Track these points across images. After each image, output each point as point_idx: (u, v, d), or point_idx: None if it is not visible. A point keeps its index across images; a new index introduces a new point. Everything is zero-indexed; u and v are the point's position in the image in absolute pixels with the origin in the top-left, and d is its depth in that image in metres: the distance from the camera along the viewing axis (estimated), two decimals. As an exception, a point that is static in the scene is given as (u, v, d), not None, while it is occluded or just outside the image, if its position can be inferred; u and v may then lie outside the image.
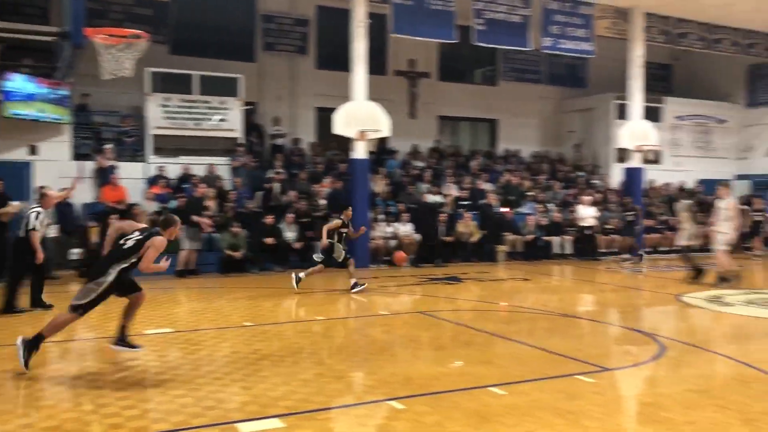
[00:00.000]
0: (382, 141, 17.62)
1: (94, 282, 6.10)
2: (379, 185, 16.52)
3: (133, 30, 10.25)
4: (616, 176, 19.99)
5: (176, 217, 6.78)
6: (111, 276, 6.08)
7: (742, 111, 22.61)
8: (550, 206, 17.52)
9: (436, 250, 15.28)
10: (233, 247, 13.38)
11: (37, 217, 8.82)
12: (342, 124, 14.30)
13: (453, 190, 17.05)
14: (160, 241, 6.23)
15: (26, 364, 5.90)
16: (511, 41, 16.21)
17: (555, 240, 16.80)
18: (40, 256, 8.82)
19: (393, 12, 14.60)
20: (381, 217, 15.42)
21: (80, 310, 6.11)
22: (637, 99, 18.13)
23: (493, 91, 21.29)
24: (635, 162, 18.41)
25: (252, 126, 17.23)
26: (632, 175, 18.38)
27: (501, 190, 17.81)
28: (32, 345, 5.99)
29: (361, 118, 14.34)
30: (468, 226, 15.74)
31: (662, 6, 17.57)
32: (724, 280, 11.87)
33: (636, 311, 10.35)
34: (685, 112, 21.74)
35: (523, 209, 17.34)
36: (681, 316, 9.86)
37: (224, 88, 15.79)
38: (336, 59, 16.86)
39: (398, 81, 19.50)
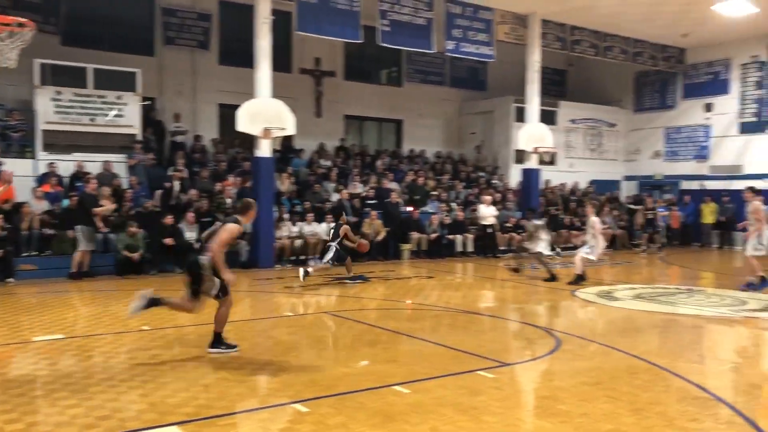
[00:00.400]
0: (287, 139, 17.45)
1: None
2: (285, 184, 16.35)
3: (18, 18, 9.60)
4: (514, 177, 20.70)
5: (253, 201, 7.09)
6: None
7: (630, 116, 23.97)
8: (453, 205, 17.94)
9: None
10: (130, 248, 12.84)
11: None
12: (246, 121, 14.03)
13: (359, 189, 17.12)
14: (234, 228, 6.63)
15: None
16: (415, 43, 16.45)
17: (458, 238, 17.20)
18: None
19: (298, 10, 14.48)
20: (286, 216, 15.25)
21: None
22: (534, 102, 18.84)
23: (398, 92, 21.54)
24: (532, 163, 19.12)
25: (151, 122, 16.60)
26: (530, 175, 19.08)
27: (406, 189, 18.05)
28: None
29: (266, 115, 14.12)
30: (373, 225, 15.83)
31: (558, 13, 18.33)
32: (580, 278, 12.44)
33: (534, 307, 10.74)
34: (579, 115, 22.80)
35: (428, 208, 17.66)
36: (575, 311, 10.33)
37: (121, 82, 15.14)
38: (239, 55, 16.53)
39: (303, 79, 19.36)
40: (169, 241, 13.20)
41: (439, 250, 16.77)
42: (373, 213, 15.99)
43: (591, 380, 5.98)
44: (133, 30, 17.15)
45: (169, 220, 13.40)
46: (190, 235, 13.59)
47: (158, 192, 14.77)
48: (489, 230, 17.35)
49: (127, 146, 15.30)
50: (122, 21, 16.82)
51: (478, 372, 6.15)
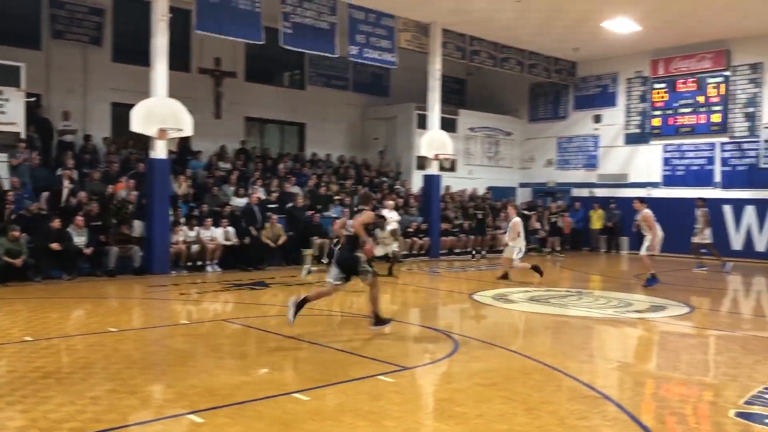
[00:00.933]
0: (184, 141, 16.93)
1: None
2: (182, 187, 15.84)
3: None
4: (416, 182, 21.02)
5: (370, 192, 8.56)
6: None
7: (525, 125, 24.92)
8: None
9: (251, 254, 15.01)
10: (12, 254, 12.02)
11: None
12: (140, 121, 13.49)
13: (260, 193, 16.83)
14: (370, 213, 8.04)
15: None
16: (318, 47, 16.40)
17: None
18: None
19: (197, 8, 14.09)
20: (182, 220, 14.76)
21: None
22: (435, 110, 19.22)
23: (301, 95, 21.39)
24: (433, 169, 19.48)
25: (36, 120, 15.64)
26: (431, 181, 19.43)
27: (309, 193, 17.93)
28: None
29: (162, 115, 13.64)
30: (273, 230, 15.60)
31: (458, 24, 18.81)
32: (504, 277, 13.34)
33: (434, 310, 10.93)
34: (477, 124, 23.48)
35: (331, 213, 17.60)
36: (473, 314, 10.58)
37: (3, 76, 14.16)
38: (135, 53, 15.91)
39: (203, 79, 18.84)
40: (55, 246, 12.46)
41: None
42: (273, 217, 15.76)
43: (487, 381, 6.14)
44: (17, 21, 16.12)
45: (56, 223, 12.66)
46: (79, 240, 12.89)
47: (44, 194, 13.93)
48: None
49: (10, 145, 14.33)
50: (6, 11, 15.76)
51: (379, 377, 6.17)
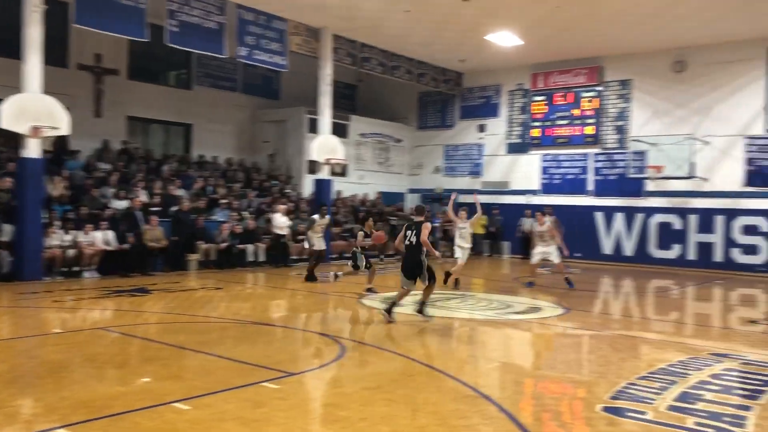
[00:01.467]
0: (61, 140, 16.00)
1: None
2: (57, 188, 14.95)
3: None
4: (307, 186, 20.95)
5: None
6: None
7: (414, 132, 25.47)
8: (245, 214, 17.68)
9: (132, 259, 14.38)
10: None
11: None
12: (11, 117, 12.63)
13: (142, 195, 16.18)
14: (429, 225, 9.58)
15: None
16: (205, 46, 16.00)
17: (249, 248, 16.97)
18: None
19: (76, 1, 13.37)
20: (58, 223, 13.93)
21: None
22: (326, 115, 19.25)
23: (188, 95, 20.78)
24: (324, 174, 19.49)
25: None
26: (322, 186, 19.44)
27: (194, 196, 17.43)
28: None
29: (35, 112, 12.83)
30: (153, 233, 15.02)
31: (348, 30, 18.95)
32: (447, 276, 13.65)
33: (322, 315, 10.93)
34: (368, 130, 23.74)
35: (218, 217, 17.21)
36: (360, 318, 10.67)
37: None
38: (5, 45, 14.86)
39: (82, 76, 17.91)
40: None
41: (229, 260, 16.40)
42: (154, 219, 15.15)
43: (372, 385, 6.22)
44: None
45: None
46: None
47: None
48: (282, 240, 17.36)
49: None
50: None
51: (263, 383, 6.10)
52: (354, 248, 13.02)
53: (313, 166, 20.20)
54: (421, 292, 9.79)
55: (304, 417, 5.48)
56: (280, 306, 12.02)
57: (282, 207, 17.71)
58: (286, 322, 10.06)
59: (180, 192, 17.19)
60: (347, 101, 25.38)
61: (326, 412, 5.57)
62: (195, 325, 9.51)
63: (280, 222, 17.31)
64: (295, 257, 17.80)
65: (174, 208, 16.27)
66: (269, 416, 5.19)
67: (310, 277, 14.25)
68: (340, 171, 21.57)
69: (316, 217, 14.93)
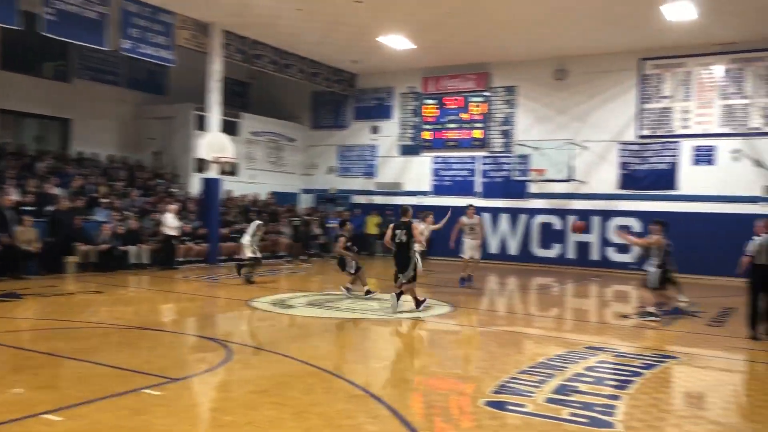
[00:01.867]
0: None
1: None
2: None
3: None
4: (195, 186, 20.32)
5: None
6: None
7: (308, 132, 25.31)
8: (128, 214, 16.90)
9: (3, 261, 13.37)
10: None
11: None
12: None
13: (14, 194, 15.09)
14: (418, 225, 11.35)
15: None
16: (85, 37, 15.16)
17: (132, 249, 16.24)
18: None
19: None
20: None
21: None
22: (215, 112, 18.75)
23: (66, 88, 19.59)
24: (213, 173, 18.97)
25: None
26: (210, 185, 18.91)
27: (73, 195, 16.46)
28: None
29: None
30: (26, 233, 14.06)
31: (239, 26, 18.56)
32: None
33: (210, 318, 10.63)
34: (260, 128, 23.34)
35: (98, 217, 16.34)
36: (250, 321, 10.48)
37: None
38: None
39: (-56, 63, 16.51)
40: None
41: (110, 262, 15.62)
42: (27, 219, 14.17)
43: (259, 388, 6.11)
44: None
45: None
46: None
47: None
48: (174, 241, 16.80)
49: None
50: None
51: (144, 390, 5.84)
52: (339, 253, 13.06)
53: (202, 165, 19.59)
54: (396, 286, 10.89)
55: (186, 423, 5.28)
56: (164, 310, 11.59)
57: (173, 207, 17.10)
58: (170, 327, 9.71)
59: (57, 190, 16.19)
60: (239, 99, 24.85)
61: (210, 418, 5.41)
62: (72, 331, 8.97)
63: (171, 222, 16.71)
64: (181, 259, 17.23)
65: (50, 208, 15.31)
66: (149, 424, 4.98)
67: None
68: (230, 170, 21.05)
69: (259, 222, 15.19)
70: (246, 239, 14.61)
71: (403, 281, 10.88)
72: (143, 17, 16.25)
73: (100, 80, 20.34)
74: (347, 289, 12.72)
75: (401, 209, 11.40)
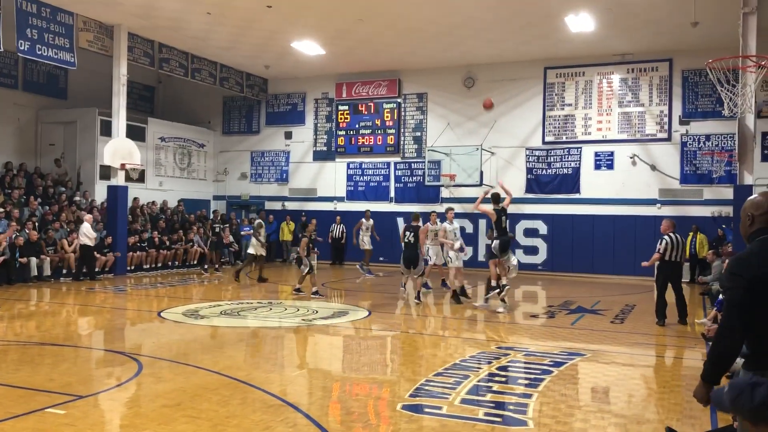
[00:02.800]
0: None
1: None
2: None
3: None
4: (100, 193, 19.51)
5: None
6: None
7: (219, 137, 24.82)
8: (27, 224, 16.02)
9: None
10: None
11: None
12: None
13: None
14: (426, 226, 13.59)
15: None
16: (-23, 38, 14.30)
17: (33, 261, 15.42)
18: None
19: None
20: None
21: None
22: (121, 116, 18.08)
23: (-44, 92, 18.43)
24: (119, 180, 18.28)
25: None
26: (117, 192, 18.20)
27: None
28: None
29: None
30: None
31: (145, 29, 18.00)
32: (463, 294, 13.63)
33: (118, 331, 10.24)
34: (168, 134, 22.70)
35: (-7, 227, 15.42)
36: (161, 332, 10.16)
37: None
38: None
39: None
40: None
41: (8, 274, 14.77)
42: None
43: (172, 402, 5.93)
44: None
45: None
46: None
47: None
48: (91, 251, 16.37)
49: None
50: None
51: (47, 410, 5.57)
52: (297, 253, 14.63)
53: (107, 171, 18.86)
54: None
55: (95, 443, 5.09)
56: (69, 323, 11.06)
57: (89, 217, 16.49)
58: (76, 341, 9.27)
59: (-54, 200, 15.18)
60: (145, 103, 24.09)
61: (120, 436, 5.21)
62: (-36, 350, 8.43)
63: (89, 232, 16.05)
64: (98, 269, 16.55)
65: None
66: (54, 446, 4.75)
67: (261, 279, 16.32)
68: (138, 177, 20.34)
69: (260, 221, 16.96)
70: (253, 240, 16.26)
71: (415, 276, 13.05)
72: (42, 18, 15.50)
73: (-7, 83, 19.23)
74: (297, 290, 13.83)
75: (412, 215, 13.68)
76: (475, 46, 18.92)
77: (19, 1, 14.90)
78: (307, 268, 13.49)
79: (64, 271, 16.39)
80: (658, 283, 10.90)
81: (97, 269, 16.71)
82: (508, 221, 12.91)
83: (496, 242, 12.22)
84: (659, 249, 10.66)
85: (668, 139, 19.00)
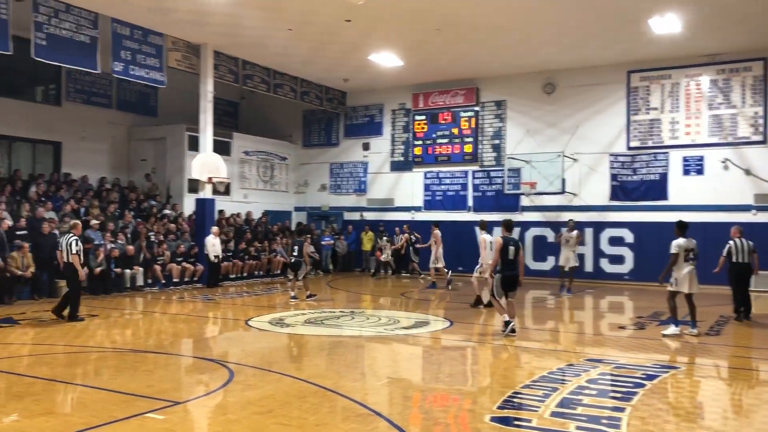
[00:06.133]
0: None
1: None
2: None
3: None
4: (188, 206, 20.29)
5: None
6: None
7: (299, 150, 25.38)
8: (121, 236, 16.83)
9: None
10: None
11: (77, 243, 11.22)
12: None
13: (7, 219, 14.99)
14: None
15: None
16: (76, 61, 15.19)
17: (127, 272, 16.18)
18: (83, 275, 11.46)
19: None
20: None
21: None
22: (207, 132, 18.77)
23: (57, 112, 19.59)
24: (207, 193, 18.96)
25: None
26: (204, 205, 18.88)
27: (66, 219, 16.34)
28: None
29: None
30: (25, 259, 14.03)
31: (230, 47, 18.65)
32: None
33: (208, 339, 10.58)
34: (252, 148, 23.38)
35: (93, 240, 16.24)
36: (249, 340, 10.43)
37: None
38: None
39: (-66, 90, 16.46)
40: None
41: (105, 285, 15.56)
42: (25, 245, 14.15)
43: (263, 409, 6.08)
44: None
45: None
46: None
47: None
48: (216, 262, 17.75)
49: None
50: None
51: (147, 415, 5.81)
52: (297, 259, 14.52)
53: (195, 185, 19.60)
54: None
55: (192, 447, 5.27)
56: (162, 332, 11.51)
57: (215, 229, 17.63)
58: (169, 349, 9.64)
59: (50, 215, 16.10)
60: (230, 118, 24.90)
61: (216, 441, 5.38)
62: (70, 356, 8.92)
63: (214, 244, 17.53)
64: (176, 280, 17.21)
65: (56, 231, 15.18)
66: (155, 449, 4.95)
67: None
68: (223, 190, 21.05)
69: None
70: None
71: (511, 298, 10.47)
72: (134, 39, 16.31)
73: (91, 103, 20.36)
74: (293, 297, 14.35)
75: (505, 223, 10.81)
76: (554, 51, 18.61)
77: (114, 25, 15.74)
78: (303, 274, 14.41)
79: (176, 281, 17.37)
80: (731, 285, 12.29)
81: (186, 279, 17.39)
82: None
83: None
84: (723, 252, 12.24)
85: (763, 142, 18.07)
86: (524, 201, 21.12)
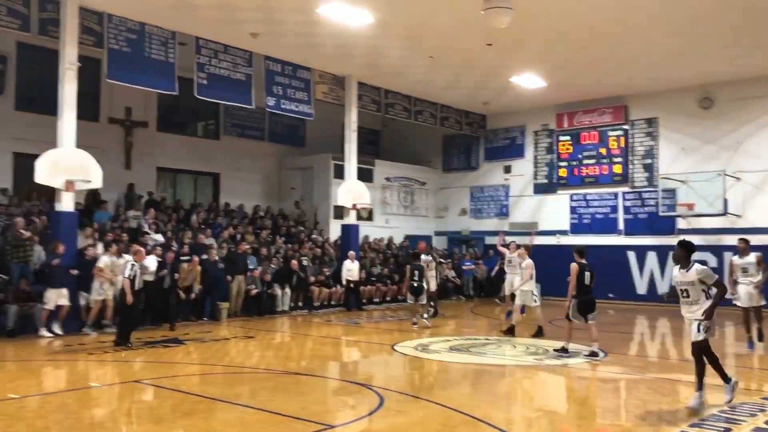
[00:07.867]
0: (93, 192, 16.23)
1: None
2: (87, 239, 15.06)
3: None
4: (334, 232, 20.97)
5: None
6: None
7: (439, 175, 25.50)
8: (273, 260, 17.67)
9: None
10: None
11: (132, 268, 11.51)
12: (46, 172, 12.86)
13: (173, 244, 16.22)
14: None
15: None
16: (233, 98, 16.30)
17: (279, 295, 16.94)
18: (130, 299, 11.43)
19: (108, 58, 13.75)
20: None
21: None
22: (352, 160, 19.36)
23: (215, 145, 21.09)
24: (351, 219, 19.50)
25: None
26: (349, 230, 19.42)
27: (223, 244, 17.46)
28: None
29: (69, 166, 13.06)
30: (193, 273, 15.06)
31: (372, 77, 19.19)
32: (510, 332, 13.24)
33: (355, 363, 10.77)
34: (393, 174, 23.81)
35: (249, 264, 17.18)
36: (395, 366, 10.50)
37: None
38: (40, 101, 15.27)
39: (112, 129, 18.28)
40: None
41: (259, 307, 16.38)
42: (195, 258, 15.24)
43: (415, 437, 6.05)
44: None
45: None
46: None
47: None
48: (352, 285, 18.19)
49: None
50: None
51: (304, 437, 5.97)
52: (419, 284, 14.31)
53: (340, 211, 20.26)
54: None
55: (347, 473, 5.33)
56: (312, 354, 11.87)
57: (351, 253, 18.32)
58: (320, 372, 9.92)
59: (209, 241, 17.25)
60: (371, 146, 25.56)
61: (370, 467, 5.40)
62: (230, 376, 9.42)
63: (350, 269, 18.13)
64: (317, 304, 17.79)
65: (204, 257, 16.30)
66: (313, 473, 5.05)
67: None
68: (366, 215, 21.60)
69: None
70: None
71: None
72: (284, 75, 17.23)
73: (245, 136, 21.74)
74: (417, 321, 14.19)
75: (578, 250, 11.06)
76: (711, 64, 17.43)
77: (267, 62, 16.73)
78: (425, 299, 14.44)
79: (316, 304, 17.93)
80: None
81: (332, 302, 17.95)
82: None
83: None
84: None
85: None
86: (680, 223, 19.80)
